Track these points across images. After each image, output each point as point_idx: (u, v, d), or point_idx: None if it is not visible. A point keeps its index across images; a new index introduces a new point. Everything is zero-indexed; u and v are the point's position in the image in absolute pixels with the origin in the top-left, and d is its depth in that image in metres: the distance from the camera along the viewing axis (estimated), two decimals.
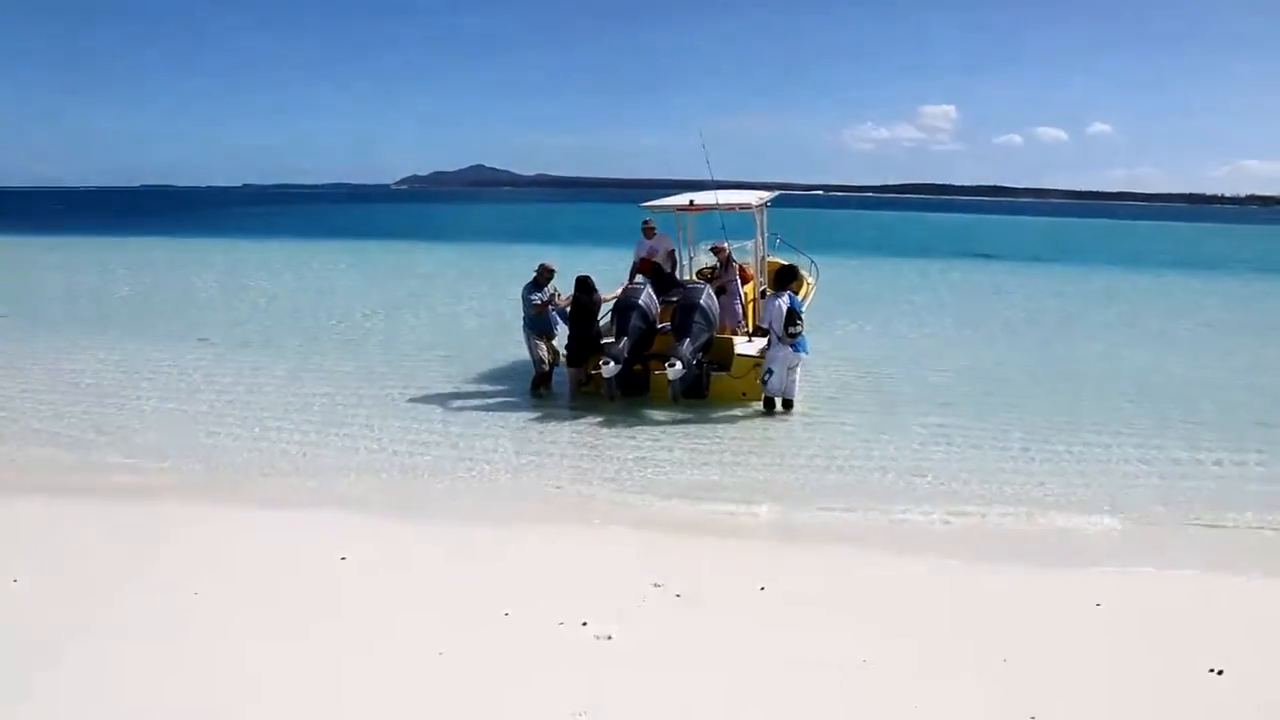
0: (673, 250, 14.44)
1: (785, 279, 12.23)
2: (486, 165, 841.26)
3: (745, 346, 12.43)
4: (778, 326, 11.49)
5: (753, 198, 14.38)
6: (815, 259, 16.85)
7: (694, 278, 14.14)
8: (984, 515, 8.29)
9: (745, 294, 13.79)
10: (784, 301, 11.55)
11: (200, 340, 16.97)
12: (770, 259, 15.48)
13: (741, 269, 13.86)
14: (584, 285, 12.33)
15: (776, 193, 15.96)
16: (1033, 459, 10.03)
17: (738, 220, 14.31)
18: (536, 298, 12.37)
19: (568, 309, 12.38)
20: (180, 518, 7.87)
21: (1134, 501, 8.75)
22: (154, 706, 4.62)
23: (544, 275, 12.62)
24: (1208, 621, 6.02)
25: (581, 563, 6.88)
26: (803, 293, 13.62)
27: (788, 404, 11.77)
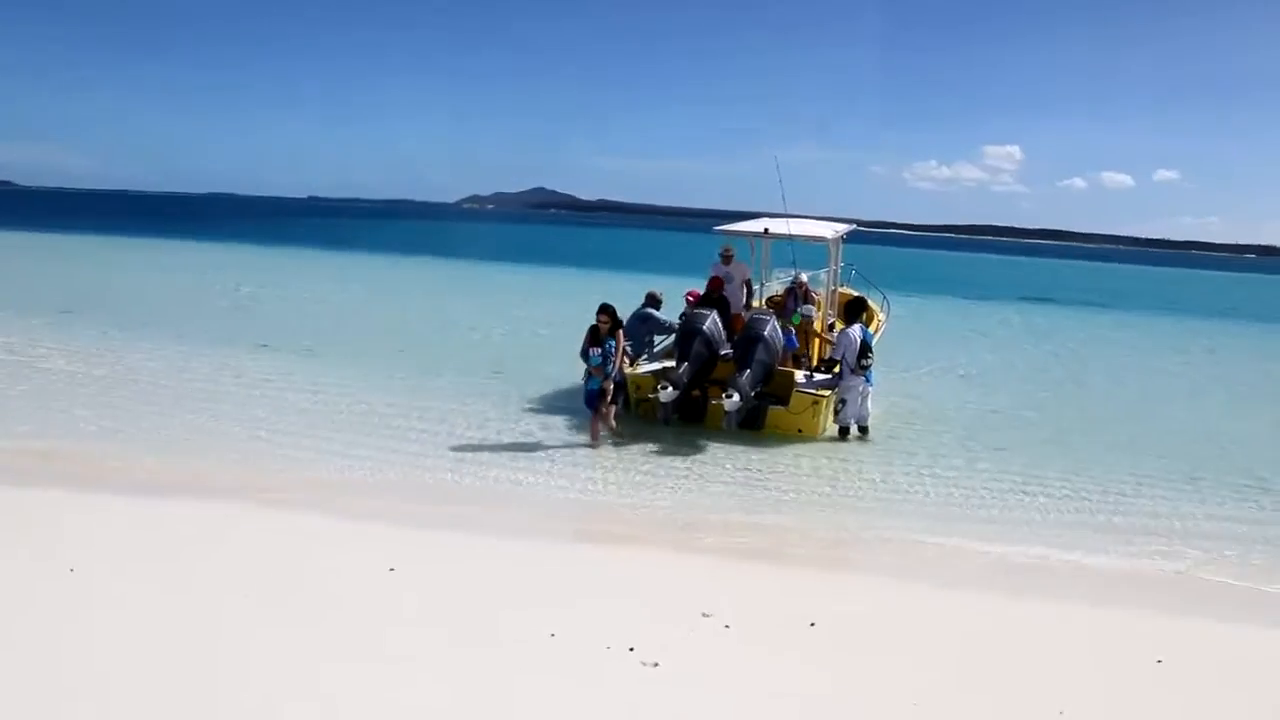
0: (749, 279, 14.41)
1: (855, 311, 12.45)
2: (547, 188, 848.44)
3: (806, 384, 12.29)
4: (850, 358, 11.75)
5: (828, 230, 14.31)
6: (886, 293, 16.75)
7: (764, 305, 14.08)
8: (1043, 556, 8.18)
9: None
10: (857, 333, 11.87)
11: (261, 345, 17.20)
12: (841, 290, 15.42)
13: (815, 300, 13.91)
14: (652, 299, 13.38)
15: (853, 226, 15.95)
16: (1089, 501, 9.94)
17: (808, 251, 14.24)
18: (665, 321, 13.35)
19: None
20: (232, 522, 7.84)
21: (1197, 550, 8.53)
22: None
23: (651, 300, 13.59)
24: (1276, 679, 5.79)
25: (631, 587, 6.79)
26: (873, 326, 13.61)
27: (863, 429, 12.05)
